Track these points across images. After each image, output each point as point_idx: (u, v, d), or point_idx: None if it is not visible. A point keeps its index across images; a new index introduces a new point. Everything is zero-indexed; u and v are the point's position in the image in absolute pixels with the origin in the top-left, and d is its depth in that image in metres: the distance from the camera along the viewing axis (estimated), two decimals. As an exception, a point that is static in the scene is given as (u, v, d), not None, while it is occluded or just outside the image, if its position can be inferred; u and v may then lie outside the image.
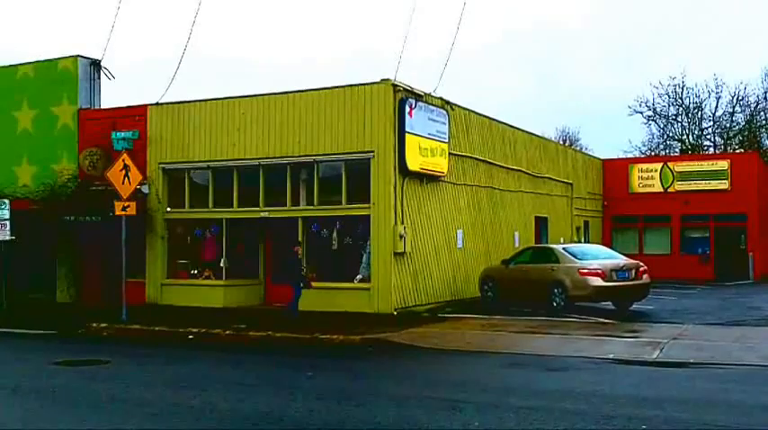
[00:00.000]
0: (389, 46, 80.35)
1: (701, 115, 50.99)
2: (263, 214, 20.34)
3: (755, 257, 32.28)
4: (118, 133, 21.49)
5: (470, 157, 22.57)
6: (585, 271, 18.60)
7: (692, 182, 33.79)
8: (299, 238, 19.15)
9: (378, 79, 18.84)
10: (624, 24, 77.92)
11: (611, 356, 12.78)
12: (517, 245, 24.63)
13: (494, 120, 24.40)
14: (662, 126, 52.18)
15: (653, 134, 52.54)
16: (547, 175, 28.48)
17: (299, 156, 19.67)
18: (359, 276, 19.17)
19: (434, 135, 19.97)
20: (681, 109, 51.13)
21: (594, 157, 36.91)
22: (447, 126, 20.64)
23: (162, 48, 72.88)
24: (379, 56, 74.06)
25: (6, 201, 20.15)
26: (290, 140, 19.79)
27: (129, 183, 18.35)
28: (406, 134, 18.78)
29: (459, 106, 21.77)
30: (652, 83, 70.10)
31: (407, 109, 18.83)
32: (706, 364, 12.05)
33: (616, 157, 41.59)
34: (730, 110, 50.09)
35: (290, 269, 18.06)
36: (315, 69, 72.62)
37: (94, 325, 17.44)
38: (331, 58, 74.95)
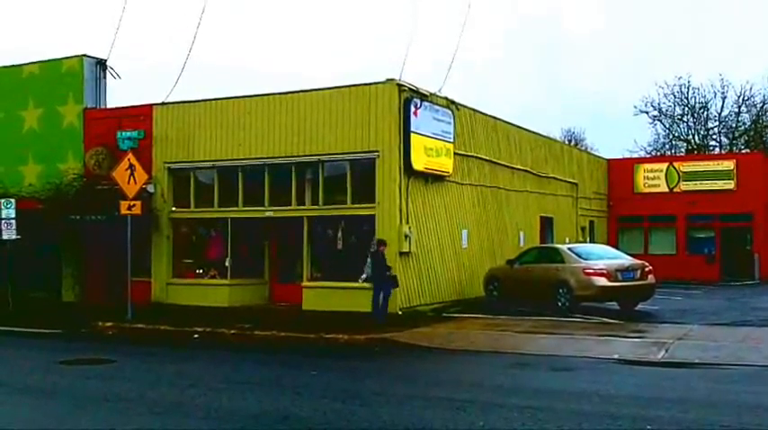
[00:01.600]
0: (394, 47, 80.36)
1: (707, 115, 50.95)
2: (268, 213, 20.36)
3: (761, 258, 32.19)
4: (123, 133, 21.53)
5: (475, 157, 22.55)
6: (591, 271, 18.57)
7: (698, 182, 33.69)
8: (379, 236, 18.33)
9: (383, 79, 18.84)
10: (629, 24, 77.86)
11: (616, 356, 12.76)
12: (522, 245, 24.60)
13: (499, 119, 24.38)
14: (667, 126, 52.15)
15: (658, 134, 52.53)
16: (552, 175, 28.44)
17: (304, 156, 19.67)
18: (363, 276, 19.13)
19: (439, 135, 19.96)
20: (686, 109, 51.08)
21: (600, 157, 36.83)
22: (452, 126, 20.63)
23: (167, 48, 73.00)
24: (384, 57, 74.13)
25: (12, 200, 20.20)
26: (295, 140, 19.80)
27: (135, 182, 18.40)
28: (412, 134, 18.77)
29: (464, 106, 21.75)
30: (657, 83, 69.96)
31: (412, 108, 18.81)
32: (711, 365, 12.03)
33: (621, 157, 41.53)
34: (736, 110, 50.05)
35: (377, 269, 17.48)
36: (317, 71, 72.69)
37: (100, 324, 17.48)
38: (334, 60, 75.00)
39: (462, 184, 21.75)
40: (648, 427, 7.99)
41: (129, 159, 18.52)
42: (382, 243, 17.75)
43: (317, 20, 76.77)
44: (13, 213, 19.89)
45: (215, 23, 57.33)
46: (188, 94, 21.62)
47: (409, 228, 18.74)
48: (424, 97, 19.39)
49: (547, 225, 27.90)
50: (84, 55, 22.99)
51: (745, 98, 49.36)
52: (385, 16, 78.96)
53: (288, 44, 77.30)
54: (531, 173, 26.54)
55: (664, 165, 35.20)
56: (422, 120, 19.14)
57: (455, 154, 20.80)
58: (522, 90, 75.83)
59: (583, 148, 45.77)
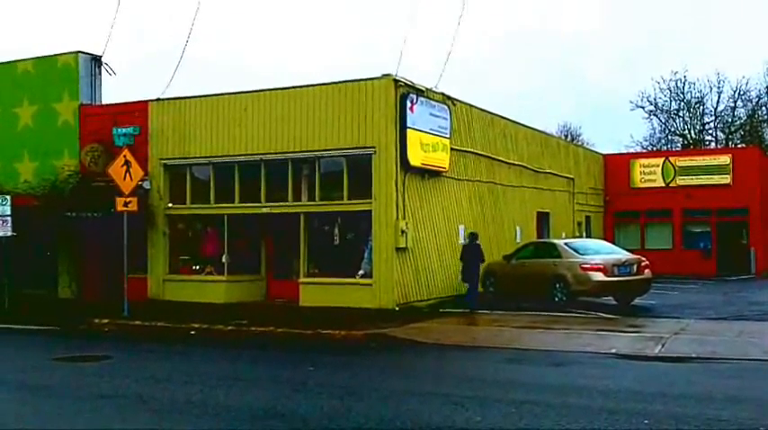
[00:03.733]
0: (391, 42, 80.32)
1: (703, 110, 51.08)
2: (264, 210, 20.33)
3: (757, 252, 32.24)
4: (119, 129, 21.49)
5: (472, 153, 22.53)
6: (587, 266, 18.60)
7: (694, 177, 33.73)
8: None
9: (379, 74, 18.80)
10: (626, 19, 77.85)
11: (613, 351, 12.78)
12: (519, 240, 24.59)
13: (495, 115, 24.36)
14: (663, 121, 52.26)
15: (654, 129, 52.64)
16: (548, 171, 28.43)
17: (301, 152, 19.64)
18: (361, 272, 19.15)
19: (436, 130, 19.93)
20: (682, 104, 51.20)
21: (596, 152, 36.86)
22: (448, 121, 20.60)
23: (163, 45, 72.82)
24: (381, 51, 74.06)
25: (8, 197, 20.14)
26: (291, 136, 19.76)
27: (131, 178, 18.36)
28: (408, 129, 18.74)
29: (460, 101, 21.73)
30: (654, 78, 69.98)
31: (409, 104, 18.78)
32: (708, 359, 12.05)
33: (618, 152, 41.57)
34: (732, 104, 50.15)
35: (475, 261, 18.50)
36: (315, 69, 72.60)
37: (96, 320, 17.46)
38: (332, 57, 74.93)
39: (459, 180, 21.74)
40: (646, 422, 8.00)
41: (124, 156, 18.48)
42: (477, 236, 18.98)
43: (313, 17, 76.71)
44: (8, 210, 19.82)
45: (210, 19, 57.30)
46: (183, 91, 21.61)
47: (406, 223, 18.73)
48: (420, 93, 19.37)
49: (543, 220, 27.91)
50: (79, 51, 22.90)
51: (741, 93, 49.54)
52: (382, 13, 78.90)
53: (283, 40, 77.23)
54: (527, 168, 26.52)
55: (660, 160, 35.23)
56: (418, 115, 19.11)
57: (451, 149, 20.78)
58: (518, 85, 75.83)
59: (579, 144, 45.81)
